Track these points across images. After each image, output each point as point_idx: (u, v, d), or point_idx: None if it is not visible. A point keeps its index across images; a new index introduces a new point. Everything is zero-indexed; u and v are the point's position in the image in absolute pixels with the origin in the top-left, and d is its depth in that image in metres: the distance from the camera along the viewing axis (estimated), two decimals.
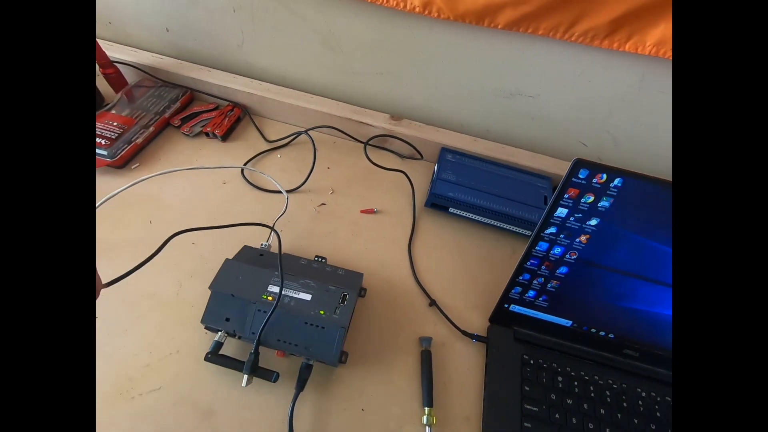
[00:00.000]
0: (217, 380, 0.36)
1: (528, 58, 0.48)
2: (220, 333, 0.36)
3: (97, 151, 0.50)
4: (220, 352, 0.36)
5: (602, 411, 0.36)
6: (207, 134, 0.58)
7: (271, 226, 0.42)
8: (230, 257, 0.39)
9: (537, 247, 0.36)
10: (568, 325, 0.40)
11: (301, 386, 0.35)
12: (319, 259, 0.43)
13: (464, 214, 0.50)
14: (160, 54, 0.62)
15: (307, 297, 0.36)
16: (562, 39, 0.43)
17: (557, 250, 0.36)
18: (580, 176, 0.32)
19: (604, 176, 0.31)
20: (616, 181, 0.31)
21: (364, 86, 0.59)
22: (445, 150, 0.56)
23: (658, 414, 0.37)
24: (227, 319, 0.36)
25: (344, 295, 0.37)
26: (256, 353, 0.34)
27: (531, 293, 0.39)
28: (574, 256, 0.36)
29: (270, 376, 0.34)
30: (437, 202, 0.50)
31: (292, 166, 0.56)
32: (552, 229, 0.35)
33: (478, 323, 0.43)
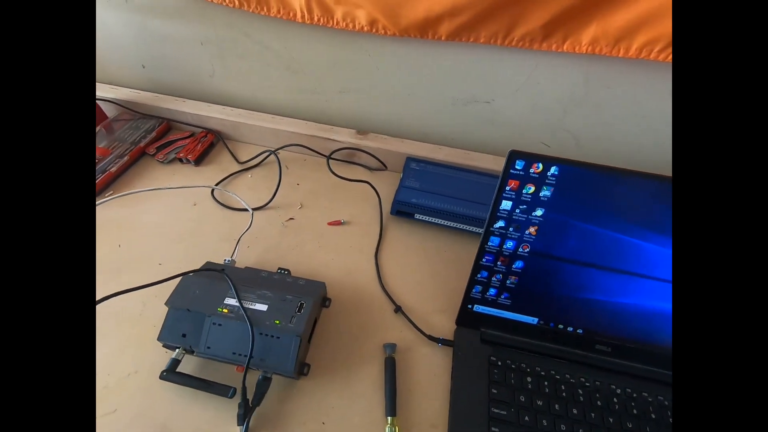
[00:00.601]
0: (174, 399, 0.35)
1: (476, 66, 0.51)
2: (177, 350, 0.36)
3: None
4: (177, 370, 0.35)
5: (574, 411, 0.35)
6: (181, 160, 0.60)
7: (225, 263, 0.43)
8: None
9: (489, 243, 0.36)
10: (534, 322, 0.39)
11: (257, 400, 0.34)
12: (282, 271, 0.43)
13: (429, 219, 0.51)
14: (137, 89, 0.65)
15: (263, 307, 0.36)
16: (503, 45, 0.45)
17: (509, 244, 0.36)
18: (517, 167, 0.32)
19: (540, 165, 0.32)
20: (553, 170, 0.32)
21: (329, 104, 0.62)
22: (410, 159, 0.57)
23: (635, 411, 0.35)
24: (183, 335, 0.36)
25: (301, 303, 0.37)
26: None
27: (492, 291, 0.39)
28: (527, 249, 0.36)
29: (226, 391, 0.34)
30: (402, 209, 0.51)
31: (263, 185, 0.57)
32: (500, 223, 0.35)
33: (446, 327, 0.42)
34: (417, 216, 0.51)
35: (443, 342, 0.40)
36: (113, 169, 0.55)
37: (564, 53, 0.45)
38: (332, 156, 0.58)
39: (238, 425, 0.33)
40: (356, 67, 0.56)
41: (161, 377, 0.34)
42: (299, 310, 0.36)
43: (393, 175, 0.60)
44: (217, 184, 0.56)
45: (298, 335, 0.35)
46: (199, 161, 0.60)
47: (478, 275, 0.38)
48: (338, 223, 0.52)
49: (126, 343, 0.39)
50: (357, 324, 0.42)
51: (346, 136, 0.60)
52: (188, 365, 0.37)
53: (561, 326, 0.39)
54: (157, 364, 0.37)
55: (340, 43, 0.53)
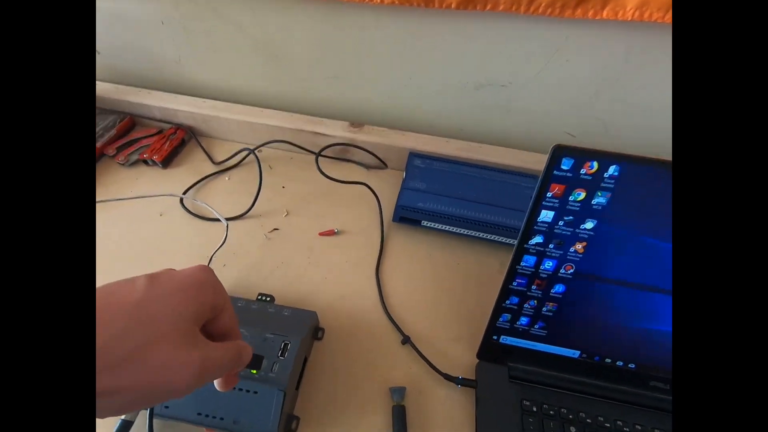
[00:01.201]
0: None
1: (492, 41, 0.42)
2: None
3: None
4: None
5: None
6: (146, 161, 0.51)
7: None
8: None
9: (522, 263, 0.28)
10: (575, 356, 0.32)
11: None
12: (263, 298, 0.36)
13: (439, 226, 0.43)
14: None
15: None
16: (526, 13, 0.37)
17: (548, 264, 0.28)
18: (564, 167, 0.24)
19: (595, 164, 0.24)
20: (612, 170, 0.24)
21: (317, 93, 0.53)
22: (413, 155, 0.49)
23: None
24: None
25: (285, 343, 0.29)
26: None
27: (523, 320, 0.31)
28: (571, 270, 0.28)
29: None
30: (406, 216, 0.43)
31: (242, 189, 0.49)
32: (538, 239, 0.27)
33: (465, 361, 0.35)
34: (424, 223, 0.43)
35: (463, 382, 0.32)
36: None
37: (602, 21, 0.36)
38: (322, 153, 0.50)
39: None
40: (347, 48, 0.47)
41: None
42: (283, 354, 0.29)
43: (394, 174, 0.52)
44: (186, 191, 0.48)
45: (282, 389, 0.27)
46: (167, 162, 0.51)
47: (507, 301, 0.30)
48: (331, 232, 0.44)
49: None
50: (356, 361, 0.34)
51: (338, 130, 0.51)
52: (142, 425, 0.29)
53: (608, 360, 0.32)
54: (109, 422, 0.29)
55: (327, 17, 0.44)
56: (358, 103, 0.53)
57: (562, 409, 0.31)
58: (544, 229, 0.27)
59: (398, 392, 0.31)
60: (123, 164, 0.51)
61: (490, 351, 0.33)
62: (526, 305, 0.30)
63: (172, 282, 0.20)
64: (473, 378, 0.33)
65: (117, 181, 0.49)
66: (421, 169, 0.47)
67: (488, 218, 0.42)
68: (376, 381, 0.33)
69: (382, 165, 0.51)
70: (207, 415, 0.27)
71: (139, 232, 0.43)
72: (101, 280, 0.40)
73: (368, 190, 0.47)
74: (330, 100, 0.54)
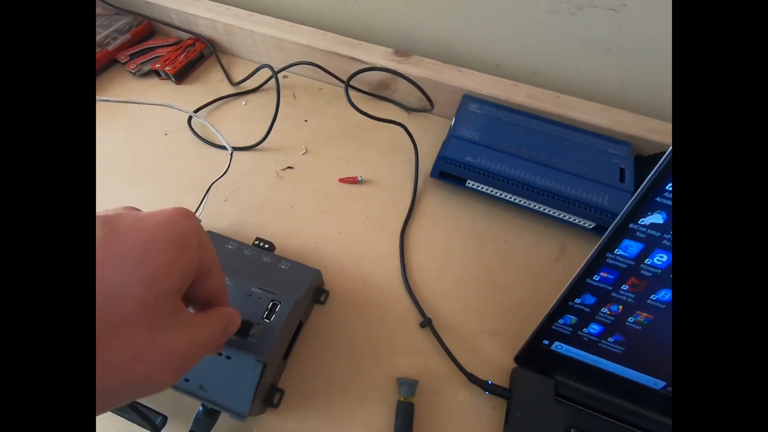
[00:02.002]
0: None
1: None
2: None
3: None
4: None
5: None
6: (158, 73, 0.45)
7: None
8: None
9: (619, 249, 0.19)
10: (658, 387, 0.23)
11: None
12: (261, 245, 0.29)
13: (489, 190, 0.33)
14: None
15: None
16: None
17: (661, 257, 0.19)
18: None
19: None
20: None
21: (359, 8, 0.43)
22: (468, 98, 0.39)
23: None
24: None
25: (274, 303, 0.23)
26: None
27: (595, 328, 0.22)
28: None
29: (154, 418, 0.22)
30: (448, 171, 0.34)
31: (259, 117, 0.42)
32: (656, 217, 0.18)
33: (499, 361, 0.27)
34: (470, 183, 0.34)
35: (493, 389, 0.25)
36: None
37: None
38: (352, 82, 0.41)
39: None
40: None
41: None
42: (269, 316, 0.23)
43: (440, 121, 0.42)
44: (197, 111, 0.41)
45: (261, 360, 0.21)
46: (180, 76, 0.45)
47: (578, 299, 0.22)
48: (354, 180, 0.36)
49: None
50: (362, 336, 0.28)
51: (378, 57, 0.41)
52: None
53: None
54: None
55: None
56: (409, 26, 0.43)
57: None
58: (667, 202, 0.17)
59: (408, 386, 0.25)
60: (134, 73, 0.45)
61: (534, 357, 0.26)
62: (604, 309, 0.21)
63: (138, 236, 0.14)
64: (507, 386, 0.25)
65: (125, 92, 0.44)
66: (477, 116, 0.37)
67: (556, 188, 0.32)
68: (382, 365, 0.27)
69: (428, 106, 0.41)
70: None
71: (140, 149, 0.38)
72: (97, 197, 0.33)
73: (405, 135, 0.38)
74: (373, 18, 0.43)
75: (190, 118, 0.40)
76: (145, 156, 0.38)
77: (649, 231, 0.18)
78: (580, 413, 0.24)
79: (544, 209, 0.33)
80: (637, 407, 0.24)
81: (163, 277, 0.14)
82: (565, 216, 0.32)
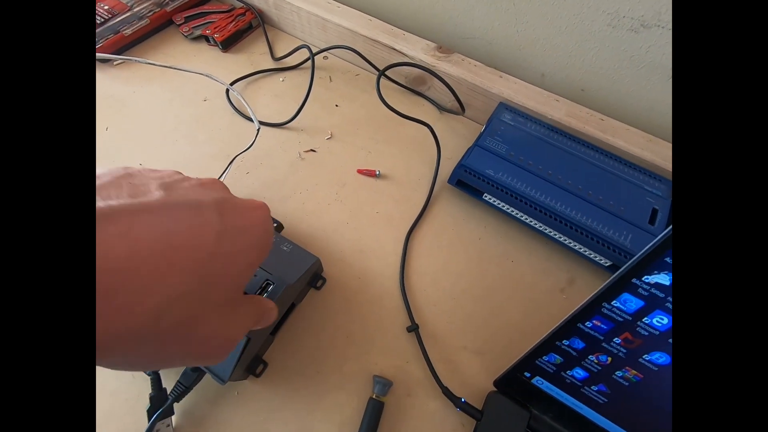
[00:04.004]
0: None
1: None
2: None
3: None
4: None
5: None
6: (207, 39, 0.47)
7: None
8: None
9: (615, 302, 0.18)
10: None
11: (177, 395, 0.24)
12: None
13: (505, 207, 0.32)
14: None
15: None
16: None
17: (661, 320, 0.17)
18: None
19: None
20: None
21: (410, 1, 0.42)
22: (503, 107, 0.37)
23: None
24: None
25: (267, 283, 0.24)
26: None
27: (579, 373, 0.22)
28: None
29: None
30: (466, 180, 0.33)
31: (293, 95, 0.42)
32: (661, 276, 0.16)
33: (477, 381, 0.27)
34: (486, 197, 0.33)
35: (465, 407, 0.25)
36: (127, 32, 0.44)
37: None
38: (389, 72, 0.40)
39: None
40: None
41: None
42: (261, 293, 0.24)
43: (470, 126, 0.41)
44: (235, 82, 0.42)
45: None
46: (227, 45, 0.46)
47: (566, 341, 0.21)
48: (372, 173, 0.37)
49: None
50: (350, 328, 0.29)
51: (419, 51, 0.40)
52: None
53: None
54: None
55: None
56: (456, 21, 0.41)
57: None
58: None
59: (382, 385, 0.25)
60: (186, 36, 0.47)
61: (513, 385, 0.25)
62: (592, 357, 0.21)
63: (243, 236, 0.15)
64: (479, 407, 0.25)
65: (175, 54, 0.46)
66: (509, 127, 0.35)
67: (576, 217, 0.30)
68: (362, 360, 0.27)
69: (459, 109, 0.40)
70: None
71: (179, 111, 0.40)
72: (132, 151, 0.36)
73: (430, 136, 0.37)
74: (421, 10, 0.42)
75: (227, 90, 0.42)
76: (183, 118, 0.40)
77: (653, 290, 0.17)
78: None
79: (560, 237, 0.31)
80: None
81: (249, 272, 0.16)
82: (580, 248, 0.31)
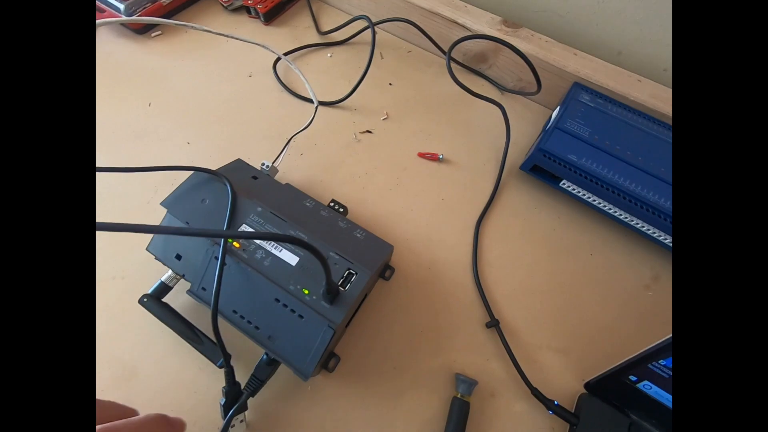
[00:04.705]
0: (152, 335, 0.25)
1: None
2: (169, 273, 0.25)
3: (112, 1, 0.39)
4: (165, 299, 0.24)
5: None
6: (248, 10, 0.44)
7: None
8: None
9: None
10: None
11: (252, 390, 0.22)
12: (335, 207, 0.28)
13: (585, 195, 0.30)
14: None
15: (292, 260, 0.22)
16: None
17: None
18: None
19: None
20: None
21: None
22: (579, 87, 0.34)
23: None
24: (178, 257, 0.24)
25: (350, 273, 0.22)
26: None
27: None
28: None
29: (216, 357, 0.23)
30: (543, 166, 0.30)
31: (341, 72, 0.40)
32: None
33: (563, 382, 0.25)
34: (565, 184, 0.30)
35: (559, 410, 0.23)
36: (166, 1, 0.41)
37: None
38: (454, 49, 0.37)
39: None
40: None
41: (140, 302, 0.24)
42: (344, 283, 0.22)
43: (536, 107, 0.38)
44: (278, 59, 0.40)
45: (333, 326, 0.20)
46: (269, 17, 0.43)
47: None
48: (434, 157, 0.34)
49: (121, 235, 0.29)
50: (424, 322, 0.27)
51: (484, 24, 0.37)
52: (182, 297, 0.26)
53: None
54: (146, 278, 0.27)
55: None
56: None
57: None
58: None
59: (467, 384, 0.24)
60: (226, 7, 0.44)
61: (611, 389, 0.23)
62: None
63: None
64: (572, 411, 0.23)
65: (213, 26, 0.43)
66: (589, 109, 0.32)
67: (665, 205, 0.28)
68: (440, 356, 0.25)
69: (527, 88, 0.37)
70: (242, 317, 0.22)
71: (222, 86, 0.38)
72: (178, 128, 0.34)
73: (494, 117, 0.34)
74: None
75: (276, 62, 0.39)
76: (227, 95, 0.37)
77: None
78: None
79: (644, 227, 0.29)
80: None
81: None
82: (668, 240, 0.28)
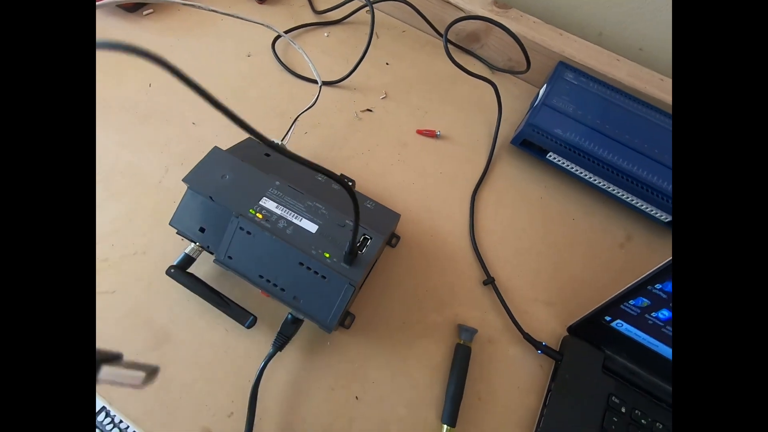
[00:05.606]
0: (181, 302, 0.27)
1: None
2: (192, 245, 0.26)
3: None
4: (190, 270, 0.26)
5: None
6: None
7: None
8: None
9: None
10: None
11: (279, 345, 0.25)
12: (345, 180, 0.30)
13: (569, 166, 0.33)
14: None
15: (312, 228, 0.24)
16: None
17: None
18: None
19: None
20: None
21: None
22: (564, 66, 0.36)
23: None
24: (202, 229, 0.26)
25: (366, 238, 0.25)
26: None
27: (665, 314, 0.24)
28: None
29: (244, 319, 0.25)
30: (532, 140, 0.33)
31: (340, 52, 0.41)
32: None
33: (550, 328, 0.29)
34: (551, 156, 0.33)
35: (546, 350, 0.27)
36: None
37: None
38: (451, 30, 0.39)
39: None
40: None
41: (168, 273, 0.26)
42: (361, 247, 0.24)
43: (524, 86, 0.40)
44: (277, 39, 0.40)
45: (353, 284, 0.23)
46: None
47: (659, 285, 0.22)
48: (432, 134, 0.36)
49: (137, 213, 0.30)
50: (428, 282, 0.30)
51: (476, 5, 0.39)
52: (205, 266, 0.28)
53: None
54: (169, 253, 0.28)
55: None
56: None
57: (657, 424, 0.25)
58: None
59: (468, 332, 0.27)
60: None
61: (589, 330, 0.27)
62: None
63: None
64: (558, 350, 0.27)
65: (206, 5, 0.42)
66: (573, 86, 0.35)
67: (640, 173, 0.31)
68: (443, 311, 0.29)
69: (517, 67, 0.39)
70: (268, 281, 0.24)
71: (224, 66, 0.38)
72: (182, 108, 0.34)
73: (487, 95, 0.37)
74: None
75: (275, 40, 0.39)
76: (227, 74, 0.38)
77: None
78: (623, 386, 0.26)
79: (621, 193, 0.32)
80: None
81: None
82: (641, 204, 0.32)
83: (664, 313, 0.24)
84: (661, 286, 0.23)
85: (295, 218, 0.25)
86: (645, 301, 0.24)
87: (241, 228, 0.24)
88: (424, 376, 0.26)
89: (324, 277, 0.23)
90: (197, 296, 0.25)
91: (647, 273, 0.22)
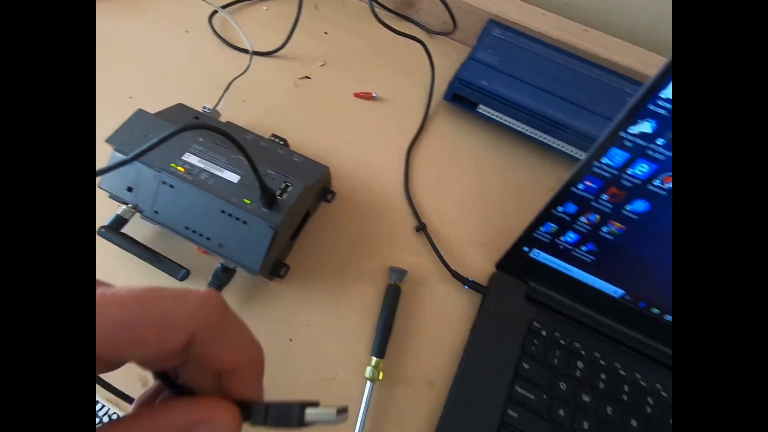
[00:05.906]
0: (115, 263, 0.28)
1: None
2: (124, 207, 0.27)
3: None
4: (123, 230, 0.27)
5: (634, 423, 0.24)
6: None
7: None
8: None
9: (604, 158, 0.21)
10: (617, 295, 0.26)
11: None
12: (276, 140, 0.31)
13: (498, 117, 0.34)
14: None
15: (234, 178, 0.25)
16: None
17: (643, 167, 0.20)
18: None
19: None
20: None
21: None
22: (493, 23, 0.38)
23: None
24: (129, 189, 0.26)
25: (287, 184, 0.26)
26: None
27: (571, 236, 0.25)
28: (669, 183, 0.20)
29: (176, 272, 0.26)
30: (462, 93, 0.34)
31: (279, 24, 0.41)
32: (645, 125, 0.19)
33: (480, 268, 0.30)
34: (481, 109, 0.35)
35: (472, 285, 0.28)
36: None
37: None
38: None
39: None
40: None
41: (99, 233, 0.26)
42: (282, 194, 0.25)
43: (461, 47, 0.42)
44: (214, 13, 0.41)
45: (273, 227, 0.24)
46: None
47: (561, 207, 0.24)
48: (368, 96, 0.37)
49: None
50: (362, 233, 0.31)
51: None
52: (140, 228, 0.29)
53: (655, 310, 0.26)
54: (102, 216, 0.29)
55: None
56: None
57: (575, 343, 0.27)
58: (664, 113, 0.18)
59: (398, 273, 0.28)
60: None
61: (513, 263, 0.29)
62: (583, 218, 0.24)
63: None
64: (485, 285, 0.29)
65: None
66: (500, 41, 0.36)
67: (565, 120, 0.33)
68: (377, 258, 0.30)
69: (450, 28, 0.40)
70: (194, 231, 0.25)
71: (162, 45, 0.38)
72: (119, 85, 0.35)
73: (423, 58, 0.38)
74: None
75: (212, 15, 0.40)
76: (168, 50, 0.38)
77: (637, 140, 0.20)
78: (545, 312, 0.28)
79: (550, 141, 0.34)
80: (596, 313, 0.27)
81: None
82: (567, 149, 0.33)
83: (571, 236, 0.25)
84: (563, 209, 0.24)
85: (217, 170, 0.25)
86: (553, 227, 0.25)
87: (163, 182, 0.25)
88: (356, 316, 0.28)
89: (245, 222, 0.24)
90: (133, 255, 0.26)
91: (550, 198, 0.24)
